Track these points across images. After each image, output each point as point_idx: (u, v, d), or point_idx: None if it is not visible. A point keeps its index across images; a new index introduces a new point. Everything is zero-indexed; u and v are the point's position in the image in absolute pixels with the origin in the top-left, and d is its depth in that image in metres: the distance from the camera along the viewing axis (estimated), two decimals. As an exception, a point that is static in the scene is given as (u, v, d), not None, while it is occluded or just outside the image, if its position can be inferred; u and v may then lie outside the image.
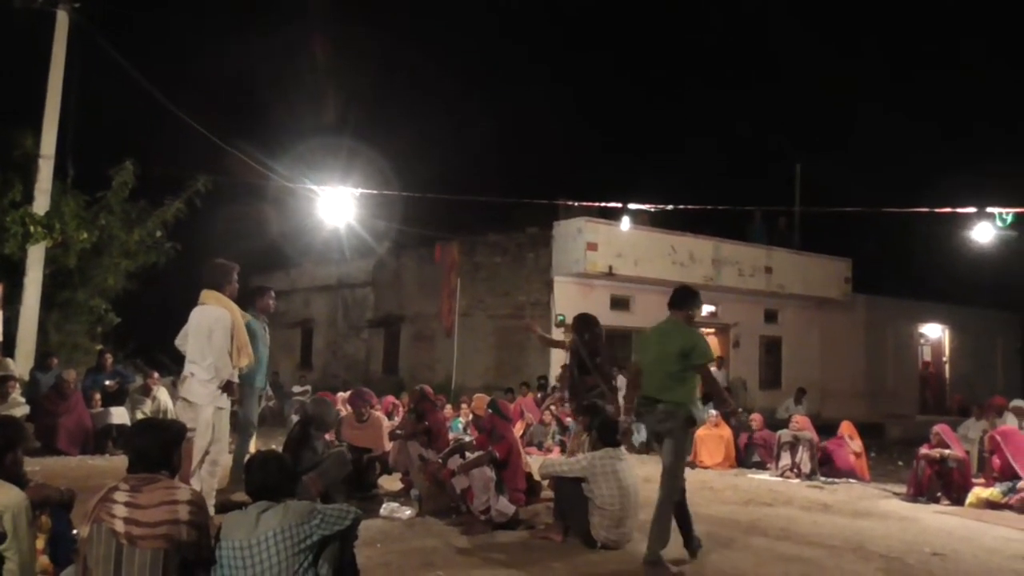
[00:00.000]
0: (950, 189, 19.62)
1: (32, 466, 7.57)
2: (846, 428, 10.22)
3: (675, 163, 27.08)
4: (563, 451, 10.95)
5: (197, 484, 5.09)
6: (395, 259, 19.50)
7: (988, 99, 31.77)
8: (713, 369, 5.91)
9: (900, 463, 11.56)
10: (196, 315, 5.61)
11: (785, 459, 9.79)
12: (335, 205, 13.14)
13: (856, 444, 9.95)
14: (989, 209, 11.27)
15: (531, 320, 8.30)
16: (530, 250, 16.09)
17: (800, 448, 9.73)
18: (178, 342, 5.79)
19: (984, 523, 7.16)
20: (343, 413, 8.43)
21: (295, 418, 9.27)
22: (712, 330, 17.42)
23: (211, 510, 5.30)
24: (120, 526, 2.94)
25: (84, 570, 3.00)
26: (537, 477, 6.71)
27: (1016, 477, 7.69)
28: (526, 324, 8.23)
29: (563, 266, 15.38)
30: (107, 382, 10.51)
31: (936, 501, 8.09)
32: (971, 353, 22.41)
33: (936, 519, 7.34)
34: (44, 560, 3.70)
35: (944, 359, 22.55)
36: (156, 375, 10.46)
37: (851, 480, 9.54)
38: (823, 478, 9.51)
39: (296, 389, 16.33)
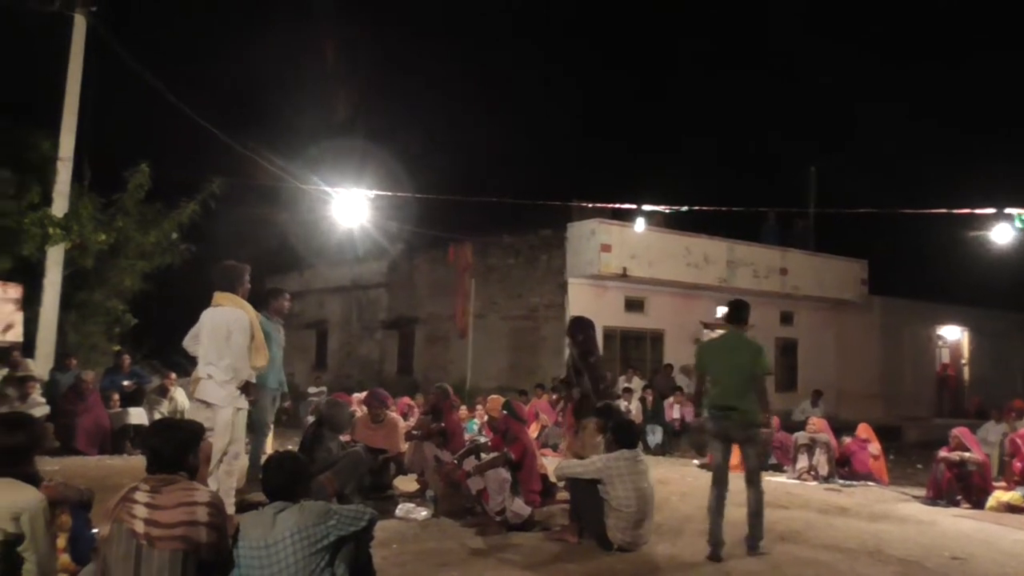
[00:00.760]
0: (968, 190, 19.48)
1: (51, 465, 7.65)
2: (863, 430, 10.14)
3: (689, 164, 27.00)
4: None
5: (214, 484, 5.11)
6: (409, 261, 19.54)
7: (1008, 100, 31.48)
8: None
9: (919, 466, 11.46)
10: (212, 316, 5.59)
11: (802, 461, 9.73)
12: (349, 207, 13.18)
13: (874, 447, 9.87)
14: (1008, 210, 11.17)
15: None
16: (544, 252, 16.07)
17: (817, 450, 9.66)
18: (186, 343, 5.77)
19: (1004, 527, 7.09)
20: (358, 414, 8.45)
21: (310, 419, 9.29)
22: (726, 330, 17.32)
23: (230, 509, 5.35)
24: (140, 526, 2.96)
25: (103, 569, 3.02)
26: (552, 478, 6.71)
27: (1037, 480, 7.61)
28: None
29: (577, 268, 15.36)
30: (125, 382, 10.60)
31: (955, 504, 8.02)
32: (990, 355, 22.17)
33: (955, 523, 7.27)
34: (65, 559, 3.73)
35: (963, 361, 22.33)
36: (173, 376, 10.51)
37: (869, 483, 9.46)
38: (840, 481, 9.44)
39: (311, 390, 16.37)
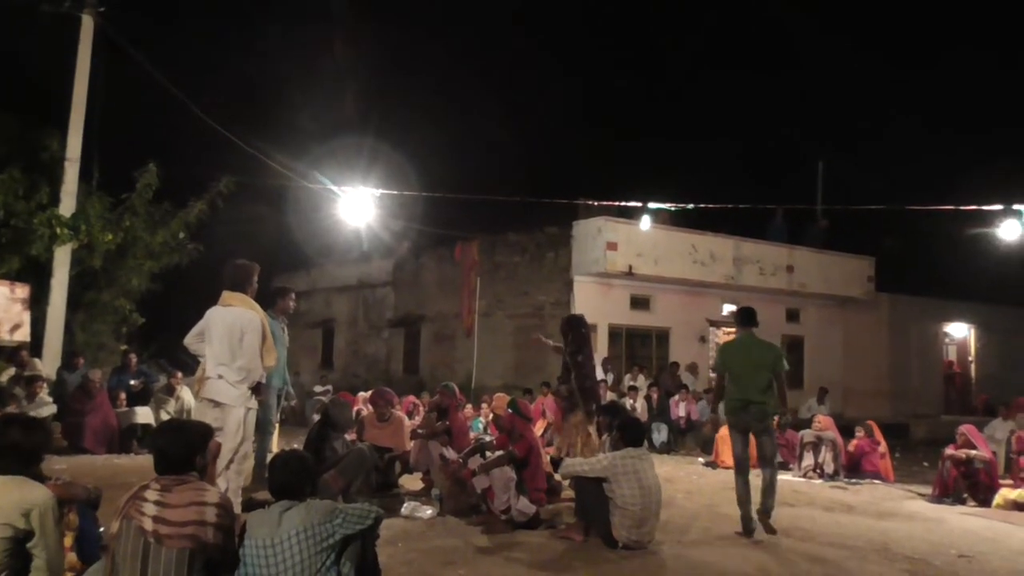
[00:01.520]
0: (976, 187, 19.34)
1: (59, 464, 7.70)
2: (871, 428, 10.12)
3: (695, 162, 26.92)
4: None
5: (224, 484, 5.11)
6: (415, 259, 19.57)
7: (1018, 96, 31.30)
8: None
9: (925, 464, 11.44)
10: (222, 316, 5.54)
11: (808, 459, 9.72)
12: (355, 205, 13.20)
13: (881, 445, 9.85)
14: (1016, 207, 11.12)
15: (539, 336, 8.61)
16: (550, 249, 16.08)
17: (823, 448, 9.65)
18: (188, 341, 5.69)
19: (1011, 525, 7.07)
20: (364, 413, 8.47)
21: (316, 418, 9.33)
22: (733, 330, 17.31)
23: (237, 508, 5.37)
24: (149, 524, 2.99)
25: (112, 566, 3.04)
26: (558, 477, 6.72)
27: (1044, 478, 7.59)
28: (534, 339, 8.56)
29: (583, 265, 15.36)
30: (132, 382, 10.65)
31: (962, 502, 8.00)
32: (997, 352, 22.07)
33: (962, 520, 7.26)
34: (72, 557, 3.76)
35: (970, 358, 22.25)
36: (180, 375, 10.55)
37: (875, 481, 9.44)
38: (846, 478, 9.42)
39: (317, 389, 16.45)
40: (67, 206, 11.32)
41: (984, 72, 33.13)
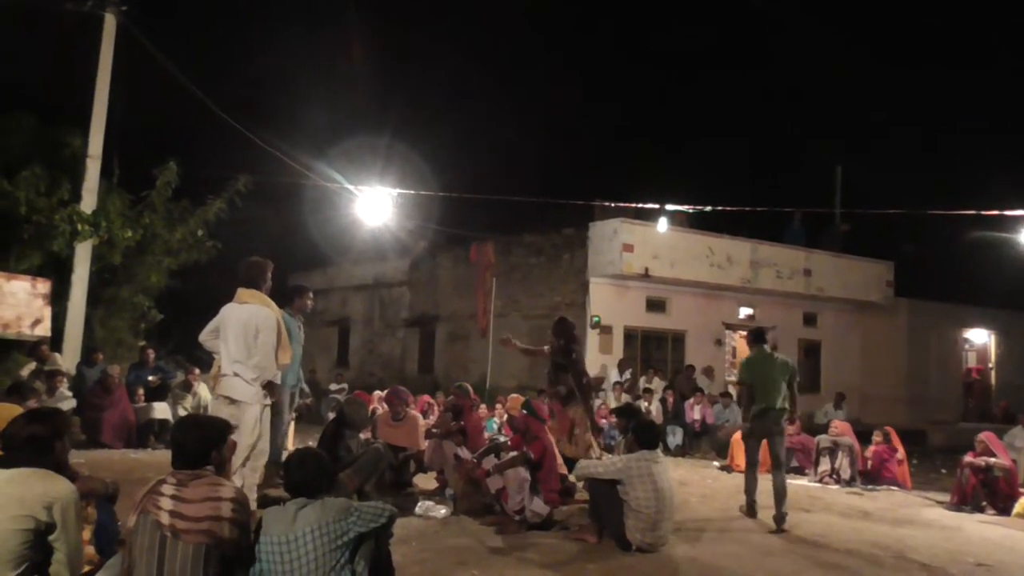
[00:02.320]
0: (997, 191, 19.15)
1: (77, 459, 7.77)
2: (889, 433, 10.02)
3: (713, 164, 26.82)
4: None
5: (239, 480, 5.14)
6: (431, 259, 19.60)
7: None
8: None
9: (943, 471, 11.32)
10: (238, 313, 5.55)
11: (824, 464, 9.64)
12: (372, 205, 13.26)
13: (898, 451, 9.76)
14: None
15: (508, 336, 8.79)
16: (566, 251, 16.06)
17: (839, 454, 9.57)
18: (203, 337, 5.70)
19: (1031, 534, 6.98)
20: (379, 411, 8.49)
21: (331, 416, 9.36)
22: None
23: (253, 505, 5.40)
24: (165, 518, 3.01)
25: (129, 559, 3.07)
26: (572, 478, 6.71)
27: (1065, 487, 7.49)
28: (503, 340, 8.70)
29: (599, 267, 15.33)
30: (150, 377, 10.73)
31: (981, 510, 7.92)
32: (1018, 359, 21.82)
33: (981, 529, 7.18)
34: (89, 550, 3.79)
35: (990, 365, 22.01)
36: (197, 371, 10.62)
37: (892, 487, 9.36)
38: (863, 484, 9.34)
39: (333, 387, 16.52)
40: (88, 203, 11.43)
41: (1007, 75, 32.78)
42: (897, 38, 34.52)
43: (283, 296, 6.52)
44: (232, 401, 5.47)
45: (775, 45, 34.65)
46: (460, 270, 18.40)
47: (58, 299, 11.19)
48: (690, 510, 7.12)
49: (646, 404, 12.70)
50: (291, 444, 8.51)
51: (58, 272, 11.42)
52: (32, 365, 9.86)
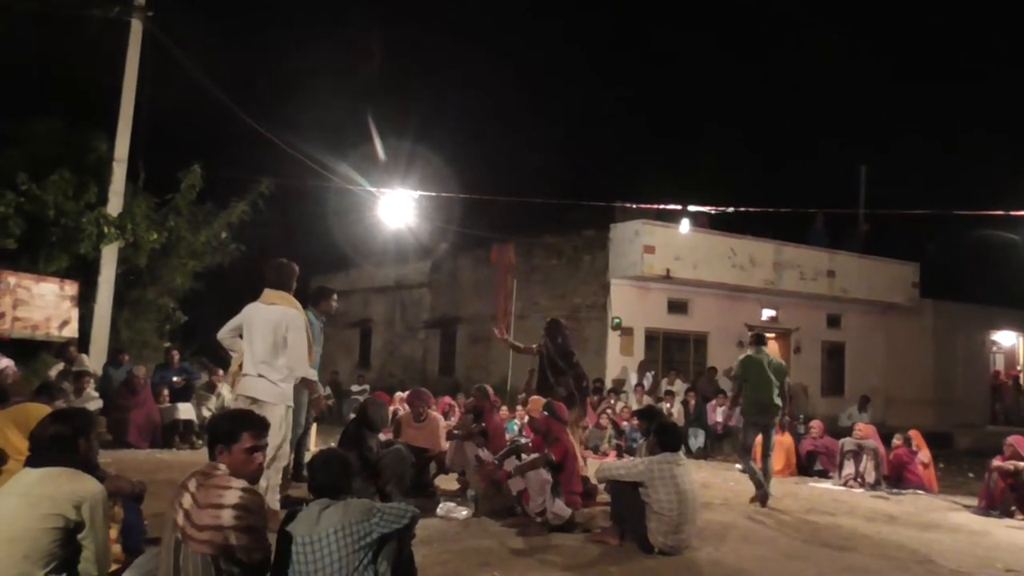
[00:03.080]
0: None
1: (104, 459, 7.87)
2: (913, 437, 9.89)
3: (736, 165, 26.66)
4: (620, 455, 10.89)
5: (264, 481, 5.16)
6: (452, 261, 19.65)
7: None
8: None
9: (971, 475, 11.16)
10: (264, 314, 5.55)
11: (848, 468, 9.53)
12: (394, 207, 13.32)
13: (924, 454, 9.63)
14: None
15: (500, 328, 8.88)
16: (586, 252, 16.03)
17: (864, 457, 9.46)
18: (223, 336, 5.69)
19: (1061, 540, 6.86)
20: (401, 413, 8.52)
21: (352, 416, 9.41)
22: (772, 335, 17.09)
23: (276, 504, 5.43)
24: (180, 519, 2.99)
25: (162, 551, 3.09)
26: (594, 480, 6.69)
27: (1097, 492, 7.35)
28: (499, 334, 8.74)
29: (620, 269, 15.29)
30: (175, 378, 10.84)
31: (1009, 515, 7.79)
32: (1047, 362, 21.50)
33: (1009, 534, 7.06)
34: (116, 549, 3.84)
35: (1018, 367, 21.68)
36: (221, 372, 10.71)
37: (918, 491, 9.24)
38: (888, 488, 9.23)
39: (355, 388, 16.60)
40: (114, 206, 11.58)
41: (1035, 74, 32.25)
42: (928, 38, 34.13)
43: (303, 298, 6.56)
44: (255, 401, 5.45)
45: (790, 43, 34.39)
46: (481, 272, 18.42)
47: (85, 301, 11.35)
48: (713, 513, 7.07)
49: (668, 406, 12.64)
50: (313, 445, 8.57)
51: (85, 274, 11.58)
52: (60, 366, 10.01)
